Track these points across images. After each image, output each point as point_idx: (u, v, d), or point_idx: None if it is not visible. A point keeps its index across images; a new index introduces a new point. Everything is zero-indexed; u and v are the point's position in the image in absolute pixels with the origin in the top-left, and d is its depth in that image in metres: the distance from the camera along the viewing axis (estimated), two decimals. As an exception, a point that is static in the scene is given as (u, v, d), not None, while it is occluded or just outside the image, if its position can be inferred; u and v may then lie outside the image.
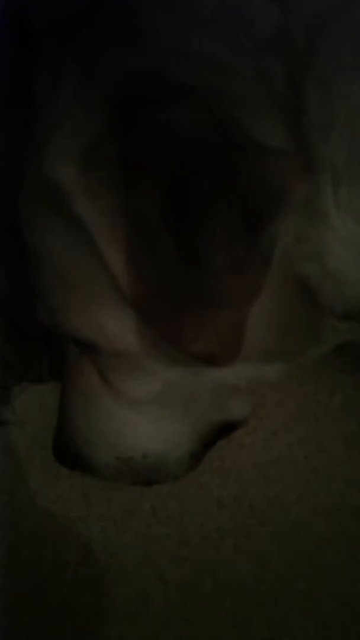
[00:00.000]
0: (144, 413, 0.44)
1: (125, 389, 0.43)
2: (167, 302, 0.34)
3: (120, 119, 0.33)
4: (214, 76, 0.33)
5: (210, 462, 0.55)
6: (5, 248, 0.47)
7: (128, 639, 0.56)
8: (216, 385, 0.43)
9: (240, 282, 0.33)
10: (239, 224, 0.32)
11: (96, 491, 0.57)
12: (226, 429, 0.49)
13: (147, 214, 0.32)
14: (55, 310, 0.40)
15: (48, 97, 0.36)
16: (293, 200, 0.32)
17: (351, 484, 0.59)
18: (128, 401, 0.44)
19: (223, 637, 0.57)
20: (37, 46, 0.41)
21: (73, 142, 0.34)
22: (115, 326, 0.38)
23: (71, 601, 0.57)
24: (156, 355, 0.39)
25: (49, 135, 0.35)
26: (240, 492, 0.59)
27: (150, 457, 0.47)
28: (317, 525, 0.58)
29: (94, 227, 0.34)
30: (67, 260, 0.37)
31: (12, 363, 0.54)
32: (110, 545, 0.58)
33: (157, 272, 0.33)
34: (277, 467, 0.59)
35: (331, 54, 0.34)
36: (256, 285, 0.33)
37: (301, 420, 0.60)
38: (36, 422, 0.57)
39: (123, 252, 0.33)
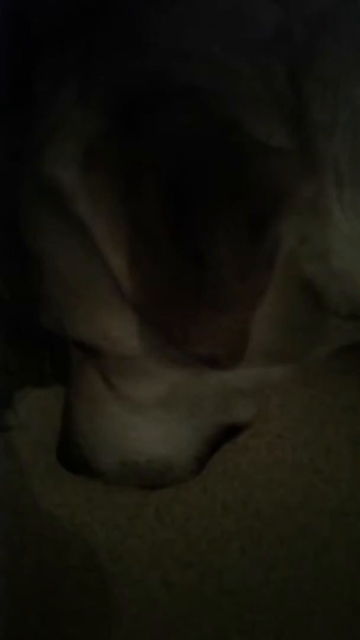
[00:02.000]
0: (148, 417, 0.44)
1: (129, 393, 0.43)
2: (170, 305, 0.34)
3: (121, 120, 0.33)
4: (215, 77, 0.33)
5: (214, 465, 0.55)
6: (6, 251, 0.46)
7: (133, 644, 0.56)
8: (220, 388, 0.43)
9: (244, 283, 0.32)
10: (242, 225, 0.31)
11: (100, 496, 0.57)
12: (231, 432, 0.48)
13: (148, 215, 0.32)
14: (58, 314, 0.40)
15: (49, 99, 0.36)
16: (296, 199, 0.32)
17: (357, 486, 0.58)
18: (132, 405, 0.43)
19: (229, 642, 0.57)
20: (37, 47, 0.40)
21: (74, 144, 0.33)
22: (119, 329, 0.38)
23: (75, 606, 0.57)
24: (160, 359, 0.39)
25: (49, 136, 0.35)
26: (245, 496, 0.58)
27: (155, 461, 0.46)
28: (323, 527, 0.58)
29: (96, 229, 0.33)
30: (69, 263, 0.37)
31: (15, 367, 0.54)
32: (115, 550, 0.57)
33: (159, 274, 0.33)
34: (282, 470, 0.59)
35: (332, 54, 0.33)
36: (261, 287, 0.33)
37: (306, 423, 0.60)
38: (39, 426, 0.57)
39: (125, 255, 0.33)
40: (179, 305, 0.33)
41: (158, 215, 0.31)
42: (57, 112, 0.35)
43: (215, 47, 0.33)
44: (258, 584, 0.58)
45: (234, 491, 0.58)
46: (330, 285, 0.35)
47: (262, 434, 0.59)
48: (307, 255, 0.35)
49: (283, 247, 0.34)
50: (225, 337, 0.35)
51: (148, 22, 0.35)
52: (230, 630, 0.57)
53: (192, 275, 0.33)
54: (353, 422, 0.59)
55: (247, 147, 0.31)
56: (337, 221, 0.34)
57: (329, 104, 0.33)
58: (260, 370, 0.41)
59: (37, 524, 0.57)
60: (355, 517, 0.58)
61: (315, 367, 0.56)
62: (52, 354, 0.53)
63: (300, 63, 0.33)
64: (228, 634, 0.57)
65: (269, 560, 0.58)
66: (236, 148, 0.31)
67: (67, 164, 0.34)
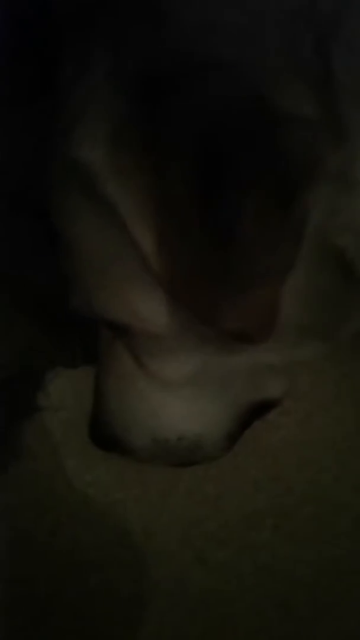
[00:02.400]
0: (178, 395, 0.44)
1: (159, 371, 0.43)
2: (199, 282, 0.33)
3: (147, 98, 0.32)
4: (241, 49, 0.32)
5: (245, 443, 0.55)
6: (35, 234, 0.47)
7: (167, 621, 0.57)
8: (251, 366, 0.43)
9: (273, 258, 0.32)
10: (270, 198, 0.31)
11: (132, 474, 0.58)
12: (261, 409, 0.48)
13: (176, 193, 0.32)
14: (87, 294, 0.40)
15: (74, 81, 0.36)
16: (324, 170, 0.31)
17: (390, 463, 0.58)
18: (162, 383, 0.44)
19: (263, 619, 0.57)
20: (62, 30, 0.40)
21: (101, 124, 0.33)
22: (148, 308, 0.38)
23: (111, 583, 0.58)
24: (189, 336, 0.39)
25: (77, 118, 0.35)
26: (277, 473, 0.58)
27: (186, 439, 0.46)
28: (356, 504, 0.58)
29: (124, 208, 0.33)
30: (98, 244, 0.37)
31: (45, 348, 0.54)
32: (148, 527, 0.58)
33: (188, 251, 0.32)
34: (314, 448, 0.59)
35: (358, 23, 0.33)
36: (289, 260, 0.33)
37: (338, 401, 0.59)
38: (71, 407, 0.58)
39: (154, 233, 0.33)
40: (208, 282, 0.33)
41: (186, 192, 0.31)
42: (83, 94, 0.35)
43: (240, 19, 0.33)
44: (292, 561, 0.58)
45: (265, 469, 0.58)
46: None
47: (292, 413, 0.59)
48: (336, 227, 0.34)
49: (312, 219, 0.33)
50: (255, 312, 0.34)
51: None
52: (265, 606, 0.57)
53: (221, 252, 0.32)
54: (385, 399, 0.59)
55: (276, 119, 0.31)
56: None
57: (356, 72, 0.32)
58: (291, 346, 0.41)
59: (71, 503, 0.58)
60: (389, 494, 0.57)
61: (346, 345, 0.55)
62: (83, 335, 0.53)
63: (326, 32, 0.32)
64: (263, 610, 0.57)
65: (302, 537, 0.58)
66: (264, 120, 0.31)
67: (95, 144, 0.33)
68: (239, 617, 0.57)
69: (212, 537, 0.58)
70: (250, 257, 0.32)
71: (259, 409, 0.48)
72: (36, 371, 0.57)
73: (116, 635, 0.57)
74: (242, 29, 0.32)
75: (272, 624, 0.57)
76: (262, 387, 0.45)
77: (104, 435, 0.48)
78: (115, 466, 0.57)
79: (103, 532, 0.58)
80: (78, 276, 0.40)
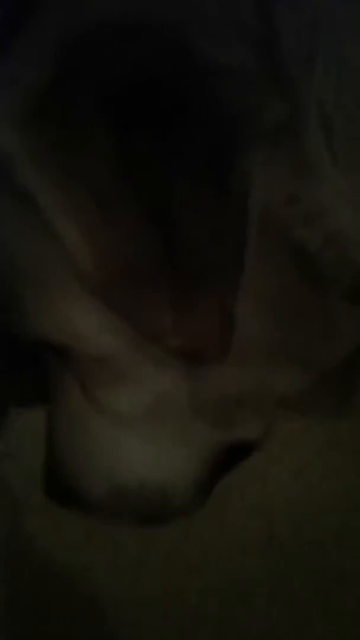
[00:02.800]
0: (135, 432, 0.38)
1: (111, 404, 0.37)
2: (136, 285, 0.29)
3: (64, 69, 0.29)
4: (173, 10, 0.29)
5: (230, 498, 0.49)
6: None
7: None
8: (217, 397, 0.37)
9: (219, 246, 0.27)
10: (205, 162, 0.26)
11: (102, 535, 0.51)
12: (237, 453, 0.42)
13: (101, 173, 0.27)
14: (22, 311, 0.35)
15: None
16: (261, 122, 0.27)
17: None
18: (116, 418, 0.38)
19: None
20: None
21: (16, 104, 0.30)
22: (88, 324, 0.33)
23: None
24: (139, 359, 0.34)
25: None
26: (269, 535, 0.52)
27: (148, 486, 0.40)
28: (363, 572, 0.51)
29: (43, 198, 0.29)
30: (25, 249, 0.33)
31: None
32: (122, 601, 0.51)
33: (120, 246, 0.28)
34: (311, 504, 0.52)
35: None
36: (237, 250, 0.28)
37: (335, 448, 0.53)
38: (32, 456, 0.52)
39: (78, 224, 0.28)
40: (146, 284, 0.28)
41: (112, 172, 0.27)
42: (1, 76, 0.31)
43: None
44: (292, 637, 0.50)
45: (255, 528, 0.52)
46: (327, 251, 0.30)
47: (284, 462, 0.52)
48: (297, 217, 0.29)
49: (263, 205, 0.28)
50: (206, 323, 0.29)
51: None
52: None
53: (158, 244, 0.28)
54: (390, 446, 0.52)
55: (200, 70, 0.27)
56: (329, 176, 0.28)
57: (304, 32, 0.28)
58: (261, 372, 0.35)
59: (32, 569, 0.51)
60: None
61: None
62: (38, 371, 0.48)
63: None
64: None
65: (302, 609, 0.51)
66: (188, 74, 0.27)
67: (9, 127, 0.30)
68: None
69: (196, 612, 0.51)
70: (189, 244, 0.27)
71: (234, 453, 0.42)
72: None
73: None
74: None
75: None
76: (233, 424, 0.39)
77: (58, 485, 0.42)
78: (82, 526, 0.51)
79: (71, 602, 0.51)
80: (10, 291, 0.35)
